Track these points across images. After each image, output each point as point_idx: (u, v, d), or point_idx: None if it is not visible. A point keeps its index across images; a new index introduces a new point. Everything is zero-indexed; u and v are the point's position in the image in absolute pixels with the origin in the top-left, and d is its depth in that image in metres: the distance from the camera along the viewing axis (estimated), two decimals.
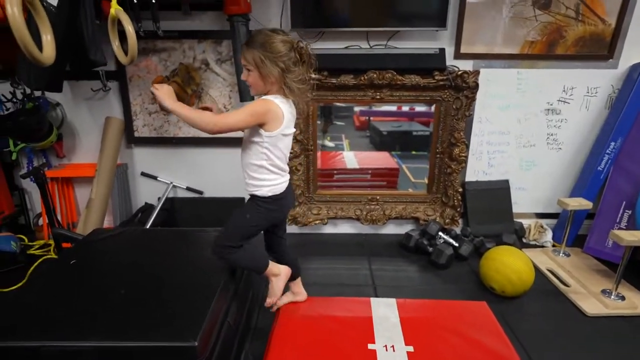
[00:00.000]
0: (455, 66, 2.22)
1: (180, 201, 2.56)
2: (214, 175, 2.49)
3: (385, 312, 1.54)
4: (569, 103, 2.34)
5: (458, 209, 2.44)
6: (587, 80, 2.28)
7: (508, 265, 1.84)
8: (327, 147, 2.67)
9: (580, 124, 2.38)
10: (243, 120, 1.22)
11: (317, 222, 2.50)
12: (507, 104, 2.35)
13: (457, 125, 2.30)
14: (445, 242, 2.29)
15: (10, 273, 2.08)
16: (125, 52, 1.44)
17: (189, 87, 2.26)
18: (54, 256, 2.24)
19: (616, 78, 2.27)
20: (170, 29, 2.17)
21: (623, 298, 1.82)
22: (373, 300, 1.61)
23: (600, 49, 2.21)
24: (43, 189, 2.07)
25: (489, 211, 2.48)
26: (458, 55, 2.24)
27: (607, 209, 2.20)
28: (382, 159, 2.85)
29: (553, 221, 2.54)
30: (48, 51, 1.07)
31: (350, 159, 2.90)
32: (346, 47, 2.24)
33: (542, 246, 2.42)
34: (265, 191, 1.34)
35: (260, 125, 1.26)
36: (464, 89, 2.22)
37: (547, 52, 2.23)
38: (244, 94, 2.11)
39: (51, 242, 2.32)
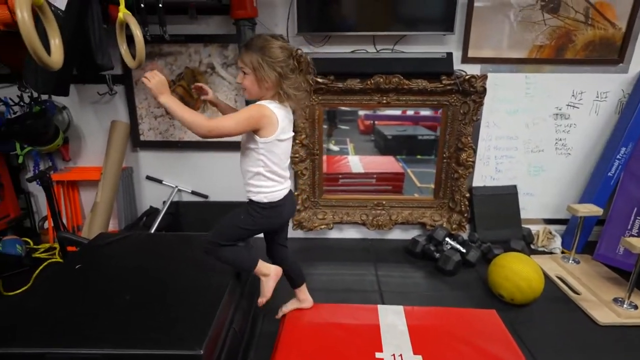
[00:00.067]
0: (462, 70, 2.21)
1: (185, 205, 2.55)
2: (219, 180, 2.48)
3: (392, 319, 1.51)
4: (578, 108, 2.31)
5: (465, 215, 2.41)
6: (596, 85, 2.25)
7: (517, 273, 1.81)
8: (332, 151, 2.66)
9: (589, 129, 2.34)
10: (237, 126, 1.21)
11: (323, 227, 2.48)
12: (515, 108, 2.32)
13: (465, 130, 2.28)
14: (453, 248, 2.26)
15: (15, 276, 2.08)
16: (133, 56, 1.43)
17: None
18: (59, 260, 2.24)
19: (626, 82, 2.24)
20: (176, 33, 2.18)
21: (636, 307, 1.78)
22: (380, 307, 1.59)
23: (610, 53, 2.18)
24: (49, 192, 2.07)
25: (497, 217, 2.45)
26: (465, 60, 2.22)
27: (617, 216, 2.16)
28: (387, 163, 2.84)
29: (562, 227, 2.51)
30: (56, 55, 1.07)
31: (356, 163, 2.89)
32: (352, 51, 2.23)
33: (551, 253, 2.38)
34: (261, 197, 1.33)
35: (255, 132, 1.25)
36: (472, 94, 2.20)
37: (556, 56, 2.21)
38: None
39: (56, 245, 2.31)
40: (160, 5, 1.92)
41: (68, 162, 2.51)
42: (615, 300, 1.83)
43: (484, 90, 2.18)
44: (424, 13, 2.13)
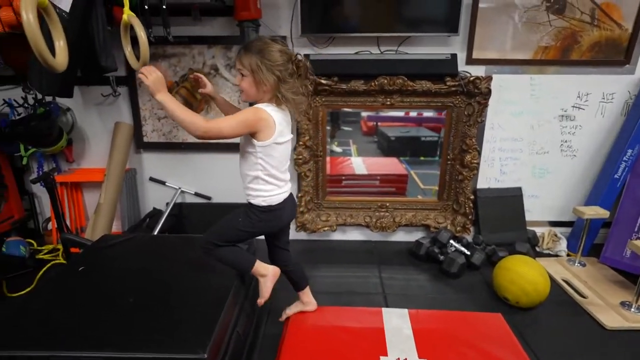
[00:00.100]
0: (467, 72, 2.19)
1: (189, 207, 2.54)
2: (222, 181, 2.48)
3: (397, 323, 1.50)
4: (583, 109, 2.29)
5: (469, 217, 2.39)
6: (602, 86, 2.23)
7: (523, 276, 1.79)
8: (335, 153, 2.65)
9: (595, 131, 2.33)
10: (234, 128, 1.20)
11: (326, 228, 2.47)
12: (520, 110, 2.31)
13: (469, 131, 2.27)
14: (457, 250, 2.24)
15: (19, 278, 2.08)
16: (137, 58, 1.43)
17: (198, 93, 2.25)
18: (63, 261, 2.24)
19: (633, 84, 2.22)
20: (180, 35, 2.17)
21: None
22: (385, 310, 1.58)
23: (617, 54, 2.17)
24: (52, 194, 2.07)
25: (501, 219, 2.43)
26: (470, 61, 2.21)
27: (624, 218, 2.14)
28: (390, 165, 2.82)
29: (567, 230, 2.49)
30: (61, 57, 1.07)
31: (359, 164, 2.87)
32: (356, 53, 2.22)
33: (556, 255, 2.36)
34: (259, 200, 1.32)
35: (253, 135, 1.24)
36: (476, 95, 2.18)
37: (561, 57, 2.19)
38: None
39: (60, 247, 2.31)
40: (164, 6, 1.92)
41: (72, 163, 2.52)
42: (623, 304, 1.81)
43: (489, 92, 2.16)
44: (428, 14, 2.12)
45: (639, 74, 2.20)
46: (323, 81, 2.17)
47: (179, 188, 2.51)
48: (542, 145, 2.37)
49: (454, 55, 2.16)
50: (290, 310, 1.59)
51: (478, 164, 2.33)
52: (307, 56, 2.18)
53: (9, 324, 1.18)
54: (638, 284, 1.75)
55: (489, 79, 2.15)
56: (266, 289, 1.44)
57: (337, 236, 2.57)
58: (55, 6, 1.51)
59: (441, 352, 1.36)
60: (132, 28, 1.38)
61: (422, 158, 2.76)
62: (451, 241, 2.28)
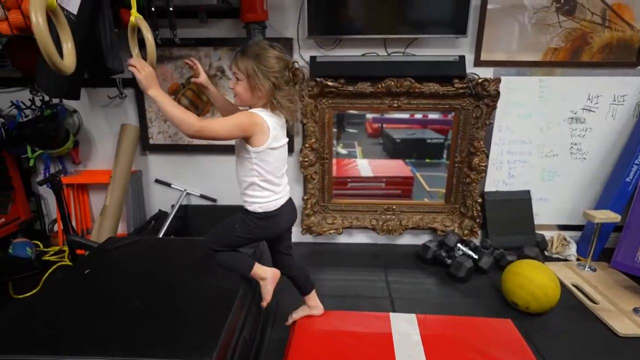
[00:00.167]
0: (475, 74, 2.17)
1: (194, 209, 2.54)
2: (227, 183, 2.46)
3: (405, 328, 1.48)
4: (594, 112, 2.26)
5: (477, 220, 2.36)
6: (613, 88, 2.20)
7: (532, 281, 1.76)
8: (340, 155, 2.63)
9: (606, 133, 2.29)
10: (228, 131, 1.18)
11: (332, 231, 2.45)
12: (529, 112, 2.28)
13: (477, 134, 2.24)
14: (464, 254, 2.22)
15: (25, 279, 2.08)
16: (144, 60, 1.43)
17: (204, 95, 2.25)
18: (69, 263, 2.24)
19: None
20: (186, 37, 2.17)
21: None
22: (392, 315, 1.55)
23: (628, 55, 2.13)
24: (59, 196, 2.07)
25: (510, 222, 2.40)
26: (478, 63, 2.19)
27: (636, 222, 2.09)
28: (396, 167, 2.80)
29: (577, 233, 2.45)
30: (69, 59, 1.06)
31: (364, 166, 2.85)
32: (363, 55, 2.21)
33: (566, 260, 2.33)
34: (256, 207, 1.31)
35: (247, 140, 1.22)
36: (485, 97, 2.16)
37: (571, 59, 2.16)
38: None
39: (66, 248, 2.31)
40: (171, 8, 1.92)
41: (78, 165, 2.52)
42: (636, 310, 1.77)
43: (498, 94, 2.14)
44: (436, 16, 2.11)
45: None
46: (330, 83, 2.15)
47: (185, 190, 2.50)
48: (551, 147, 2.34)
49: (462, 57, 2.14)
50: (297, 315, 1.57)
51: (486, 166, 2.30)
52: (313, 58, 2.18)
53: (15, 326, 1.18)
54: None
55: (497, 80, 2.12)
56: (267, 291, 1.43)
57: (343, 239, 2.55)
58: (63, 9, 1.51)
59: (450, 359, 1.34)
60: (139, 30, 1.38)
61: (427, 160, 2.74)
62: (459, 245, 2.25)
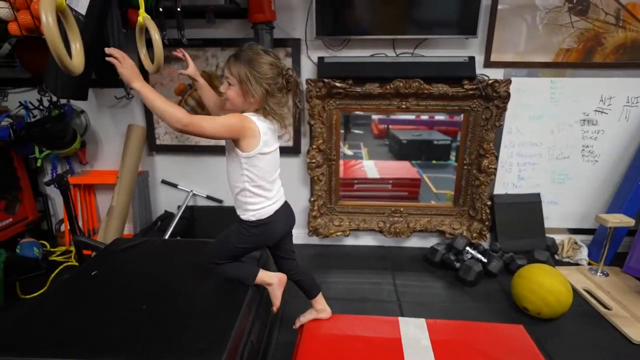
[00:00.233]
0: (485, 75, 2.14)
1: (200, 210, 2.53)
2: None
3: (414, 333, 1.45)
4: (606, 113, 2.22)
5: (486, 223, 2.33)
6: (627, 90, 2.16)
7: (544, 286, 1.73)
8: (346, 156, 2.61)
9: (619, 136, 2.25)
10: (217, 129, 1.15)
11: (339, 233, 2.43)
12: (540, 114, 2.25)
13: (487, 136, 2.21)
14: (473, 257, 2.19)
15: (32, 279, 2.08)
16: (152, 60, 1.42)
17: None
18: (75, 263, 2.24)
19: None
20: (194, 37, 2.17)
21: None
22: (401, 320, 1.53)
23: None
24: (66, 196, 2.07)
25: (519, 226, 2.36)
26: (488, 64, 2.16)
27: None
28: (403, 169, 2.77)
29: (588, 237, 2.41)
30: (77, 60, 1.05)
31: (371, 168, 2.83)
32: (372, 55, 2.19)
33: (577, 264, 2.29)
34: (249, 216, 1.29)
35: (236, 144, 1.20)
36: (495, 99, 2.13)
37: (583, 60, 2.12)
38: None
39: (72, 248, 2.32)
40: (179, 9, 1.91)
41: (85, 165, 2.52)
42: None
43: (508, 96, 2.11)
44: (445, 16, 2.08)
45: None
46: (337, 84, 2.13)
47: (191, 191, 2.50)
48: (562, 150, 2.30)
49: (472, 58, 2.11)
50: (304, 318, 1.55)
51: (495, 169, 2.27)
52: (321, 59, 2.16)
53: (23, 326, 1.17)
54: None
55: (508, 82, 2.09)
56: (275, 296, 1.41)
57: (350, 241, 2.53)
58: (71, 9, 1.50)
59: None
60: (146, 30, 1.37)
61: (434, 162, 2.72)
62: (467, 248, 2.22)
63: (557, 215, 2.42)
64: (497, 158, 2.28)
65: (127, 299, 1.30)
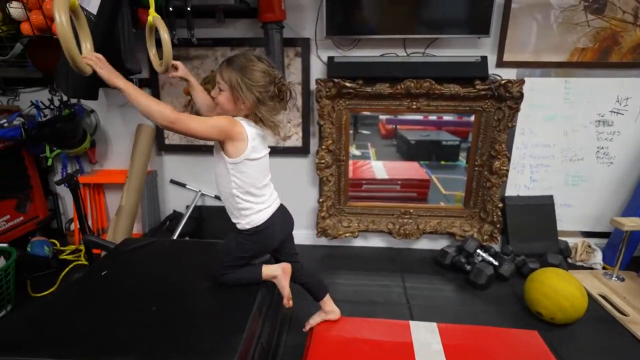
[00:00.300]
0: (497, 75, 2.10)
1: (209, 210, 2.53)
2: None
3: (426, 337, 1.43)
4: (622, 114, 2.17)
5: (497, 225, 2.29)
6: None
7: (558, 291, 1.69)
8: (355, 156, 2.59)
9: (635, 137, 2.20)
10: (204, 129, 1.13)
11: (348, 234, 2.41)
12: (553, 114, 2.20)
13: (499, 137, 2.17)
14: (484, 260, 2.15)
15: (42, 278, 2.09)
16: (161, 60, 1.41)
17: None
18: (84, 262, 2.25)
19: None
20: (204, 37, 2.16)
21: None
22: (412, 323, 1.50)
23: None
24: (76, 195, 2.08)
25: (531, 228, 2.32)
26: (501, 64, 2.12)
27: None
28: (411, 169, 2.75)
29: (602, 241, 2.36)
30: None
31: (379, 168, 2.81)
32: (382, 55, 2.16)
33: (591, 268, 2.24)
34: (244, 224, 1.28)
35: (223, 149, 1.19)
36: (507, 99, 2.09)
37: (599, 59, 2.08)
38: None
39: (82, 247, 2.33)
40: (189, 8, 1.90)
41: (94, 164, 2.53)
42: None
43: (521, 96, 2.07)
44: (457, 15, 2.05)
45: None
46: (347, 84, 2.11)
47: (199, 191, 2.50)
48: (576, 151, 2.26)
49: (484, 58, 2.08)
50: (314, 320, 1.54)
51: (507, 170, 2.23)
52: (331, 59, 2.14)
53: (33, 325, 1.17)
54: None
55: (521, 82, 2.05)
56: (282, 288, 1.39)
57: (359, 242, 2.51)
58: (83, 9, 1.50)
59: None
60: (156, 30, 1.37)
61: (442, 162, 2.68)
62: (478, 251, 2.19)
63: (570, 218, 2.37)
64: (509, 159, 2.24)
65: (137, 299, 1.30)
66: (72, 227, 2.56)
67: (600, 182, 2.30)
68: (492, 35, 2.05)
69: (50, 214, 2.60)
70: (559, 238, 2.34)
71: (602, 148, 2.24)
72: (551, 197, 2.34)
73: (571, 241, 2.35)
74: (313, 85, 2.19)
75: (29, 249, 2.24)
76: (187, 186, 2.52)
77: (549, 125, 2.23)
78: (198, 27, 2.05)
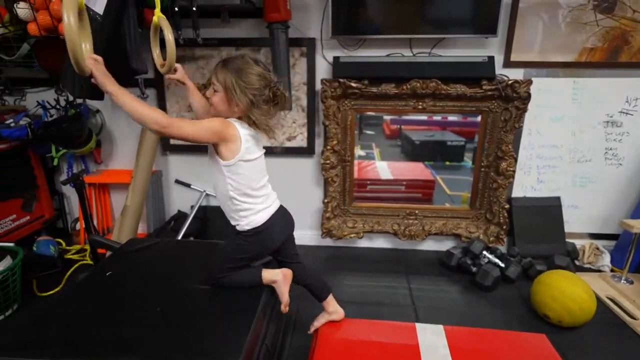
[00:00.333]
0: (504, 75, 2.08)
1: (213, 210, 2.53)
2: None
3: (432, 340, 1.41)
4: (632, 115, 2.14)
5: (504, 227, 2.27)
6: None
7: (566, 293, 1.67)
8: (359, 157, 2.58)
9: None
10: (197, 131, 1.13)
11: (353, 235, 2.40)
12: (561, 115, 2.18)
13: (505, 137, 2.15)
14: (490, 262, 2.13)
15: (48, 277, 2.10)
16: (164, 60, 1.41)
17: None
18: (90, 262, 2.26)
19: None
20: (209, 37, 2.16)
21: None
22: (418, 326, 1.49)
23: None
24: (81, 195, 2.08)
25: (538, 230, 2.30)
26: (508, 64, 2.10)
27: None
28: (416, 170, 2.73)
29: (609, 243, 2.33)
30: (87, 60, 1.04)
31: (384, 169, 2.79)
32: (388, 55, 2.15)
33: (599, 270, 2.21)
34: (242, 225, 1.27)
35: (217, 151, 1.18)
36: (514, 100, 2.07)
37: (608, 59, 2.05)
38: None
39: (87, 247, 2.33)
40: (194, 8, 1.90)
41: (100, 164, 2.54)
42: None
43: (528, 96, 2.05)
44: (464, 15, 2.03)
45: None
46: (353, 84, 2.10)
47: (204, 191, 2.49)
48: (584, 152, 2.23)
49: (491, 58, 2.06)
50: (318, 322, 1.53)
51: (514, 171, 2.21)
52: (336, 59, 2.13)
53: (39, 325, 1.17)
54: None
55: (528, 82, 2.03)
56: (281, 293, 1.38)
57: (364, 243, 2.49)
58: (89, 9, 1.51)
59: None
60: (161, 30, 1.36)
61: (447, 163, 2.66)
62: (484, 252, 2.17)
63: (577, 220, 2.34)
64: (515, 160, 2.22)
65: (141, 300, 1.30)
66: (78, 226, 2.57)
67: (609, 183, 2.27)
68: (499, 35, 2.03)
69: (56, 213, 2.61)
70: (567, 240, 2.31)
71: (611, 149, 2.21)
72: (558, 198, 2.31)
73: (579, 243, 2.33)
74: (318, 86, 2.18)
75: (35, 248, 2.25)
76: (191, 186, 2.52)
77: (556, 125, 2.20)
78: (203, 27, 2.05)
